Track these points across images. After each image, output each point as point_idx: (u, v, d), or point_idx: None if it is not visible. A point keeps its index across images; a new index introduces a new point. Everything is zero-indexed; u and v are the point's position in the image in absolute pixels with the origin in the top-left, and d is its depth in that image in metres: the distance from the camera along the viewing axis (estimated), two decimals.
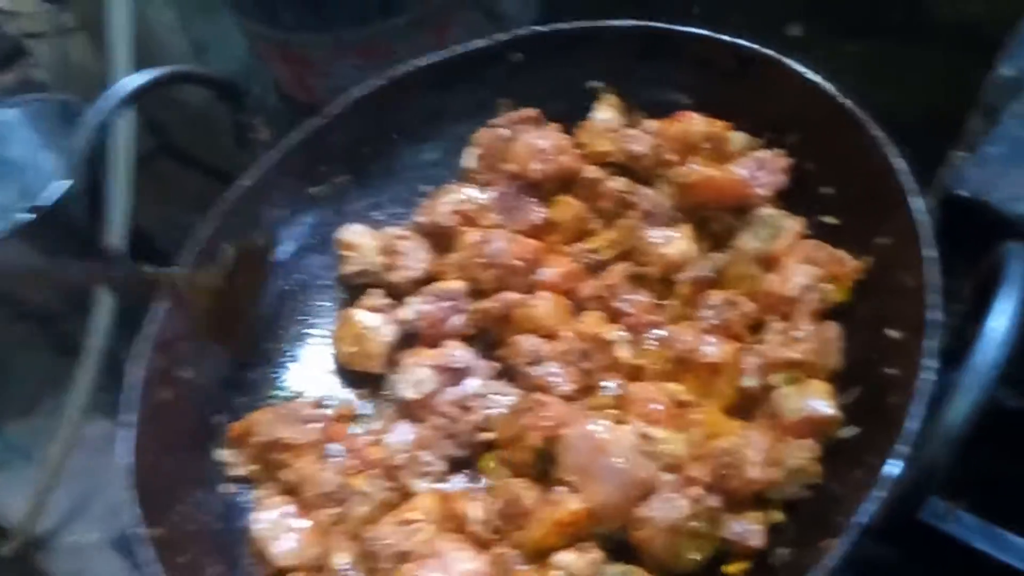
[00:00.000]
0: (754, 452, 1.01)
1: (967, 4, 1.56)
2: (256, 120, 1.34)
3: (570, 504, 1.03)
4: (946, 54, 1.63)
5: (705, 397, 1.11)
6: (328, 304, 1.35)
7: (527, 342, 1.17)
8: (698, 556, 1.02)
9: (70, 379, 1.55)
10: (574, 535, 1.03)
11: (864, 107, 1.13)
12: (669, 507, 1.01)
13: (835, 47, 1.71)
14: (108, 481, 1.13)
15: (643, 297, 1.19)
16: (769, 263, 1.16)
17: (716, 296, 1.15)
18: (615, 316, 1.18)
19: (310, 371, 1.30)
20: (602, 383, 1.14)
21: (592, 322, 1.18)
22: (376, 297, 1.28)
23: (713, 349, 1.10)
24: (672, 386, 1.13)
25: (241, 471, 1.19)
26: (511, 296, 1.21)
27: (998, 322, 0.81)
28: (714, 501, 1.02)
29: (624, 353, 1.15)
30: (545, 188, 1.27)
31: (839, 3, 1.68)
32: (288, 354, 1.31)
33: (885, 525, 0.89)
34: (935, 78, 1.59)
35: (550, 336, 1.17)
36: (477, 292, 1.24)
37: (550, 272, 1.23)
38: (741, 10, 1.80)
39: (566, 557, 1.02)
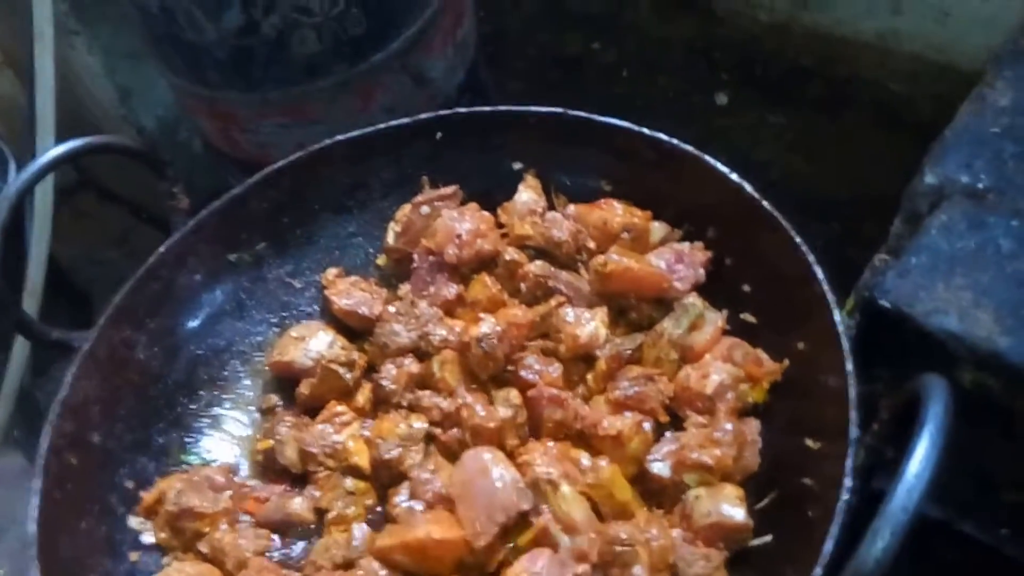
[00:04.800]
0: (647, 553, 0.94)
1: (887, 84, 1.50)
2: (176, 188, 1.23)
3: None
4: (865, 132, 1.57)
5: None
6: (243, 370, 1.25)
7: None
8: None
9: None
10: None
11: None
12: None
13: (759, 117, 1.65)
14: (22, 515, 1.04)
15: (553, 369, 1.11)
16: (687, 355, 1.09)
17: (634, 371, 1.08)
18: (522, 386, 1.10)
19: (223, 437, 1.21)
20: None
21: None
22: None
23: (613, 421, 1.04)
24: (574, 451, 1.06)
25: (151, 539, 1.09)
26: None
27: (915, 467, 0.73)
28: None
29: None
30: (462, 268, 1.18)
31: (764, 75, 1.62)
32: (201, 419, 1.21)
33: None
34: (853, 154, 1.53)
35: None
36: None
37: None
38: (669, 75, 1.74)
39: None
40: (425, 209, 1.20)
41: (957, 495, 1.00)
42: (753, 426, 1.03)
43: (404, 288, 1.22)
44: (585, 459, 1.05)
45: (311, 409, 1.18)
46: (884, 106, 1.53)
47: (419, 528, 1.02)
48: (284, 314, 1.27)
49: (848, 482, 0.87)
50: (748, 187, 1.05)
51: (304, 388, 1.18)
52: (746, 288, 1.09)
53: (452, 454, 1.11)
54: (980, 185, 1.02)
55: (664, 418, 1.06)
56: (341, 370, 1.15)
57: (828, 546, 0.84)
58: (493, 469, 1.02)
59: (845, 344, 0.93)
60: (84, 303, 1.54)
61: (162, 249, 1.18)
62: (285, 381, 1.22)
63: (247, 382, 1.24)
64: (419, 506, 1.07)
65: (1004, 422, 0.95)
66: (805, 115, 1.60)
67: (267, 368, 1.23)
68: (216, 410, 1.22)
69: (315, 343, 1.19)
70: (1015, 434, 0.96)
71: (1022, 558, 0.98)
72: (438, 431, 1.11)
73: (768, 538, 0.97)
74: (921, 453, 0.74)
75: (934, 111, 1.31)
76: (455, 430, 1.10)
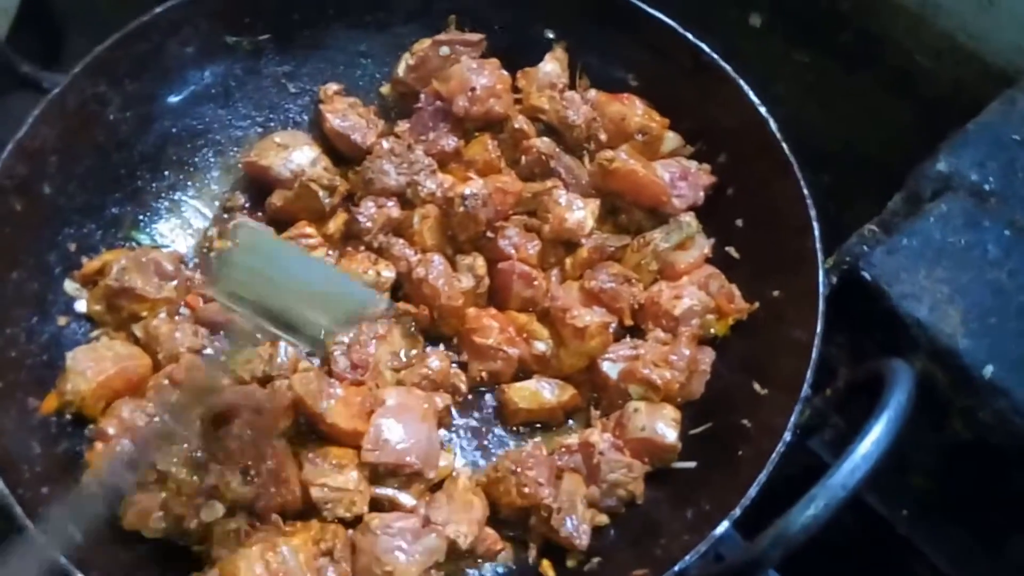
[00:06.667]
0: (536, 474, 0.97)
1: (914, 54, 1.47)
2: None
3: None
4: (880, 93, 1.55)
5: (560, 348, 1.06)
6: (215, 161, 1.20)
7: None
8: None
9: None
10: None
11: (791, 121, 1.05)
12: None
13: (785, 51, 1.60)
14: None
15: (532, 244, 1.10)
16: (666, 271, 1.09)
17: (615, 267, 1.08)
18: (497, 256, 1.10)
19: (180, 224, 1.17)
20: None
21: None
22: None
23: (583, 313, 1.04)
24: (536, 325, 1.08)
25: (84, 308, 1.07)
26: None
27: (865, 449, 0.76)
28: None
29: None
30: (467, 123, 1.15)
31: (801, 9, 1.57)
32: (161, 200, 1.17)
33: None
34: (862, 111, 1.51)
35: None
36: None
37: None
38: None
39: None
40: (445, 50, 1.15)
41: None
42: (708, 356, 1.05)
43: (402, 126, 1.18)
44: (541, 344, 1.06)
45: (278, 222, 1.15)
46: (905, 74, 1.51)
47: (329, 416, 0.99)
48: (271, 116, 1.22)
49: (788, 436, 0.90)
50: (773, 124, 1.03)
51: (276, 199, 1.15)
52: (739, 223, 1.09)
53: (422, 328, 1.10)
54: (987, 187, 1.03)
55: (629, 321, 1.07)
56: (321, 192, 1.12)
57: (753, 491, 0.87)
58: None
59: (821, 306, 0.95)
60: (57, 38, 1.45)
61: (159, 9, 1.11)
62: (256, 185, 1.18)
63: (216, 174, 1.20)
64: (349, 372, 1.05)
65: (937, 415, 0.99)
66: (829, 61, 1.56)
67: (240, 166, 1.19)
68: (178, 195, 1.18)
69: (298, 155, 1.15)
70: (942, 428, 1.00)
71: (913, 539, 1.03)
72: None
73: (692, 464, 1.00)
74: (874, 436, 0.76)
75: (950, 93, 1.29)
76: (424, 307, 1.08)
